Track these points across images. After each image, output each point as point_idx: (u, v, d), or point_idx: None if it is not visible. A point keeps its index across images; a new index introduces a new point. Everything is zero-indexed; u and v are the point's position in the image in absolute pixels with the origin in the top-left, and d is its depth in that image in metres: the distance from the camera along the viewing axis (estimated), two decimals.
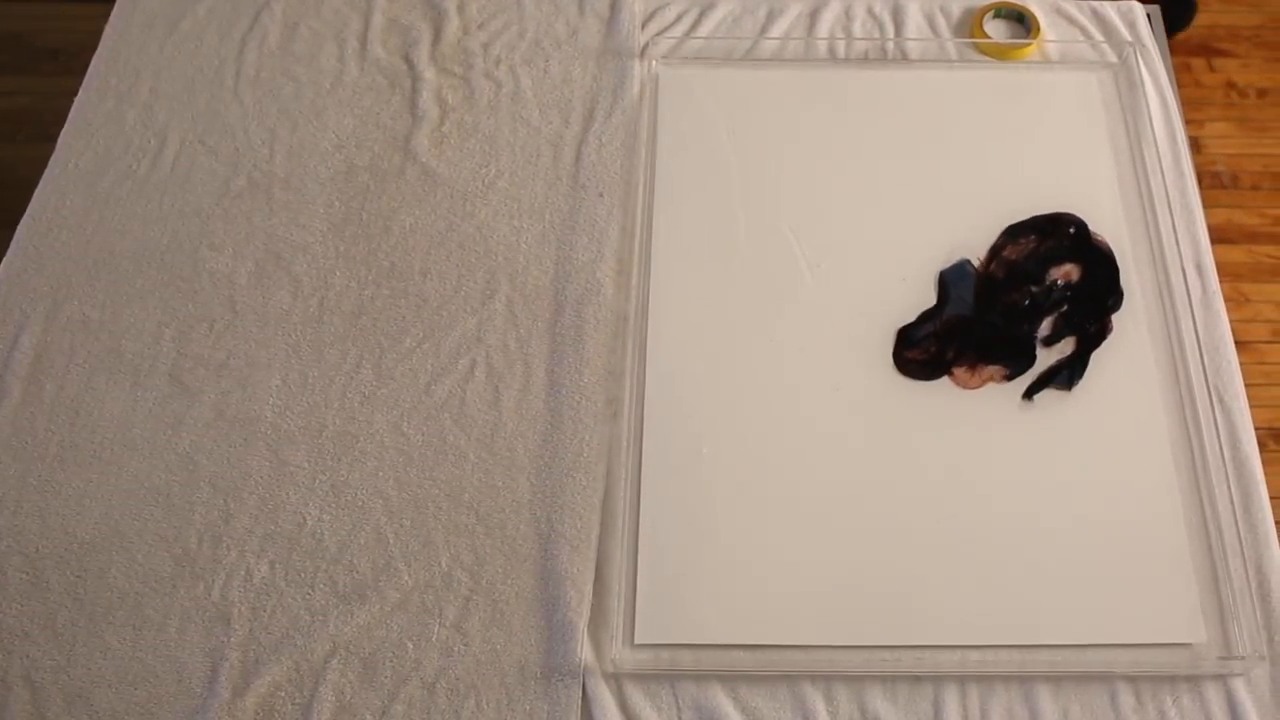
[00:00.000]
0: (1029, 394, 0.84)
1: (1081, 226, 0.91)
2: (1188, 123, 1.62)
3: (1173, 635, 0.75)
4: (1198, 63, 1.70)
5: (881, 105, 0.99)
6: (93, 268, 0.91)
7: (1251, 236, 1.48)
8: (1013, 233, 0.91)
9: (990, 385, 0.85)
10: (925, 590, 0.76)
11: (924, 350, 0.86)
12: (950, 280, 0.89)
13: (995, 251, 0.91)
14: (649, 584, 0.76)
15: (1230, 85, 1.68)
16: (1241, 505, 0.79)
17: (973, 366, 0.85)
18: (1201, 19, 1.77)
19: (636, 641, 0.75)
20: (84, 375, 0.85)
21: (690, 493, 0.80)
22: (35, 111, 1.63)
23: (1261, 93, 1.68)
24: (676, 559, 0.77)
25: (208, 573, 0.77)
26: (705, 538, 0.78)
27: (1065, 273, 0.89)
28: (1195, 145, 1.59)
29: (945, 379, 0.85)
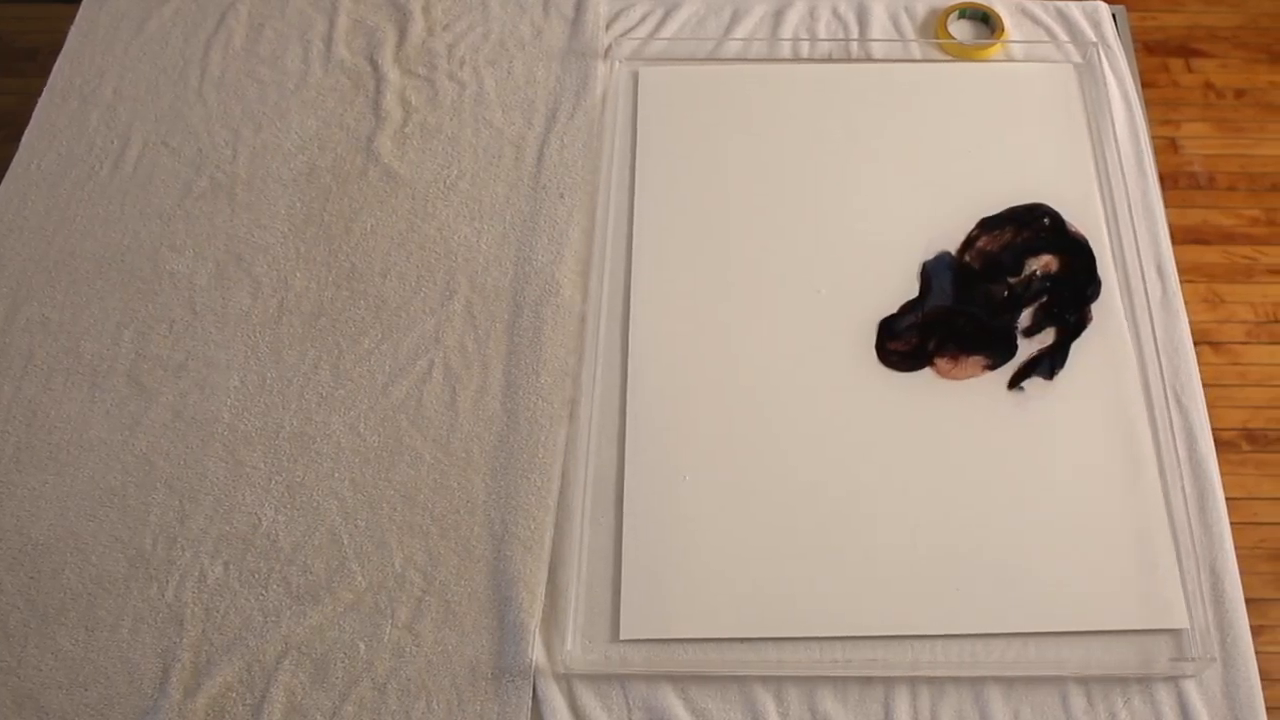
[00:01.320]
0: (1012, 384, 0.84)
1: (1055, 217, 0.92)
2: (1165, 123, 1.62)
3: (1158, 622, 0.75)
4: (1176, 63, 1.70)
5: (855, 101, 0.99)
6: (53, 269, 0.91)
7: (1227, 237, 1.48)
8: (988, 224, 0.92)
9: (972, 376, 0.85)
10: (905, 579, 0.76)
11: (906, 341, 0.86)
12: (932, 272, 0.89)
13: (970, 242, 0.91)
14: (632, 580, 0.76)
15: (1208, 86, 1.68)
16: (1197, 507, 0.79)
17: (955, 357, 0.85)
18: (1181, 19, 1.77)
19: (622, 637, 0.75)
20: (42, 376, 0.85)
21: (671, 486, 0.80)
22: (12, 113, 1.63)
23: (1239, 93, 1.68)
24: (657, 554, 0.77)
25: (161, 574, 0.77)
26: (686, 533, 0.78)
27: (1045, 264, 0.90)
28: (1172, 145, 1.59)
29: (927, 370, 0.85)
